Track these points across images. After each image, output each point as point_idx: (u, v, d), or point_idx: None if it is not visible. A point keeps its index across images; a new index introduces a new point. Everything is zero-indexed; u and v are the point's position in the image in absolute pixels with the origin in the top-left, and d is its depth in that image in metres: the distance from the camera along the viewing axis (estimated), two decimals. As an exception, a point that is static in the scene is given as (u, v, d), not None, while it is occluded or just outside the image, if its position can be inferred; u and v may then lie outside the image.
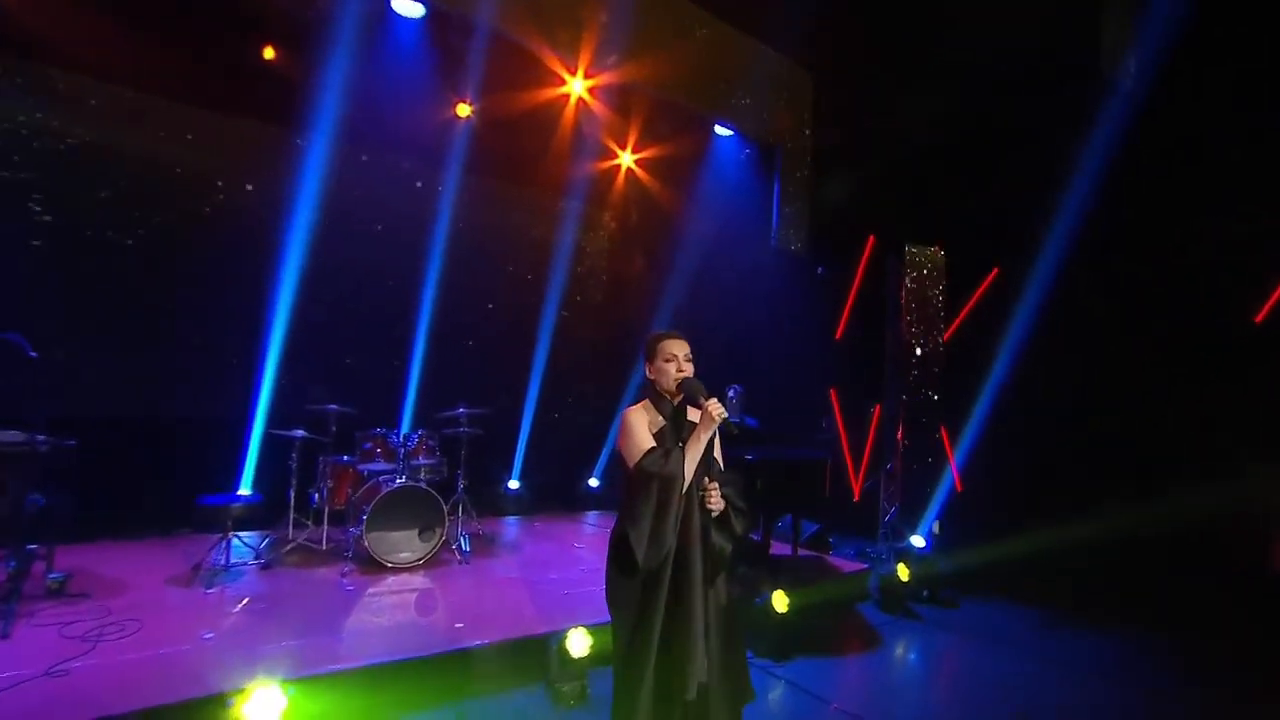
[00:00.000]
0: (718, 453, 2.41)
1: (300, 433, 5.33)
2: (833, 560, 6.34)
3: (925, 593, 5.73)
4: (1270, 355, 5.22)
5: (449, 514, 5.49)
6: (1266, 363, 5.21)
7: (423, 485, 5.30)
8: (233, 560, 4.89)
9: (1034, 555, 5.55)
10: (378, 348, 6.88)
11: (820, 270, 7.09)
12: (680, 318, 7.65)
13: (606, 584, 2.37)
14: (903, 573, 5.64)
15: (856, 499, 6.86)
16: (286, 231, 6.26)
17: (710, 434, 2.22)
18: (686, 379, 2.30)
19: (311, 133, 6.26)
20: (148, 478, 5.68)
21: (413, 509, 5.27)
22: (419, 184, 7.27)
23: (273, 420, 5.93)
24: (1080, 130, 5.65)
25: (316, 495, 5.49)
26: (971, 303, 6.75)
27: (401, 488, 5.18)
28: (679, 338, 2.36)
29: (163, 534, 5.71)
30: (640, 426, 2.26)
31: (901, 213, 6.52)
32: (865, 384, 6.85)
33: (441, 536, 5.33)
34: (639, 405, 2.34)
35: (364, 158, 7.02)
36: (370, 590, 4.76)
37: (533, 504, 7.71)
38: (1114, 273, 5.77)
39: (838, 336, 7.12)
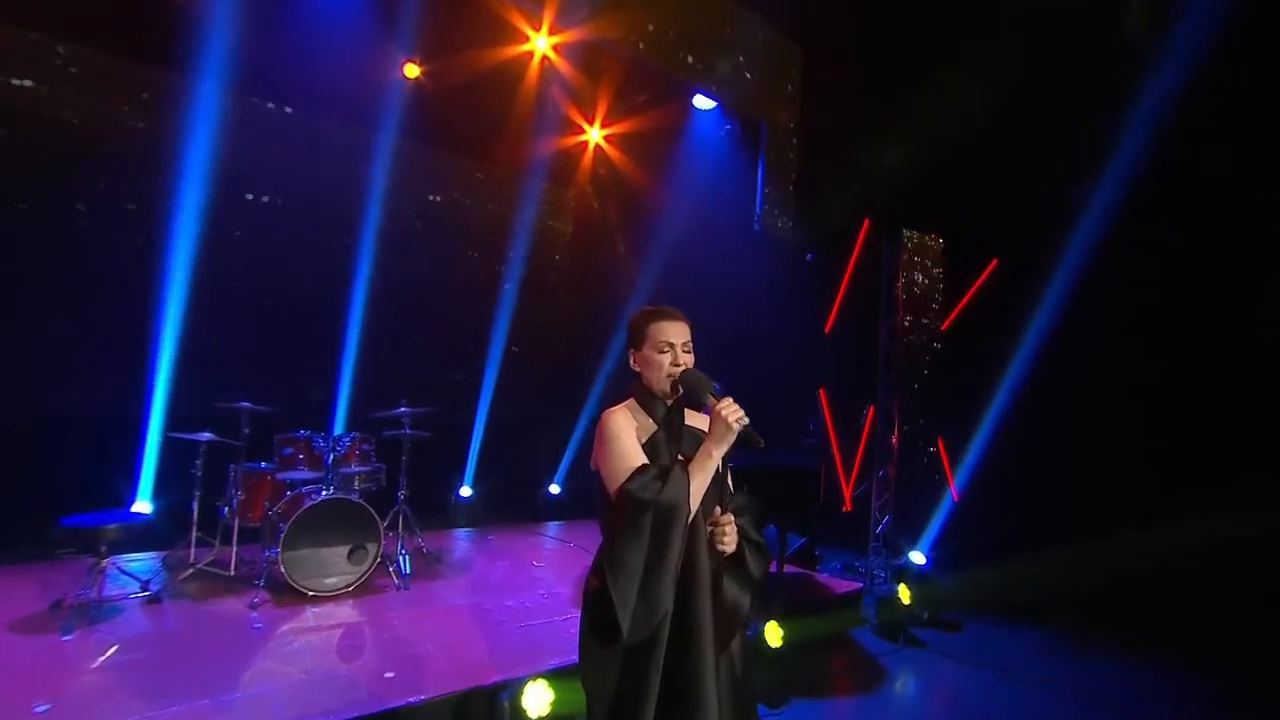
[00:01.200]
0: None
1: (206, 436, 4.54)
2: (821, 578, 5.86)
3: (925, 615, 5.32)
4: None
5: (386, 529, 4.91)
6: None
7: (354, 497, 4.68)
8: (109, 593, 4.06)
9: (1040, 571, 5.26)
10: (303, 337, 6.16)
11: (809, 257, 6.59)
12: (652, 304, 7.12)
13: (580, 654, 1.79)
14: (904, 594, 5.20)
15: (848, 508, 6.36)
16: (185, 200, 5.41)
17: (726, 447, 1.75)
18: (687, 372, 1.84)
19: (218, 86, 5.43)
20: (8, 492, 4.76)
21: (342, 525, 4.61)
22: (358, 153, 6.57)
23: (172, 421, 5.08)
24: (1102, 109, 5.24)
25: (225, 509, 4.69)
26: (969, 295, 6.31)
27: (328, 500, 4.54)
28: (677, 318, 1.90)
29: (31, 558, 4.80)
30: (626, 435, 1.81)
31: (899, 196, 6.07)
32: (857, 382, 6.43)
33: (376, 557, 4.69)
34: (622, 406, 1.89)
35: (288, 111, 6.20)
36: (285, 627, 3.99)
37: (487, 514, 7.19)
38: (1133, 266, 5.44)
39: (827, 330, 6.74)
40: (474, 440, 7.26)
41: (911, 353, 6.18)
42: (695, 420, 1.95)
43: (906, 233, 6.07)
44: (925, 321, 6.21)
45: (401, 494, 5.35)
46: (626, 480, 1.71)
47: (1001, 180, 5.87)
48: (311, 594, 4.44)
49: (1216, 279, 5.25)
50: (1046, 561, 5.21)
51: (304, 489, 4.72)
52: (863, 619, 5.30)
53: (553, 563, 5.83)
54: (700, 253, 7.12)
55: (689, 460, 1.79)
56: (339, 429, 5.98)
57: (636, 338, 1.91)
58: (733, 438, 1.72)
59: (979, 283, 6.33)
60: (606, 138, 8.02)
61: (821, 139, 6.74)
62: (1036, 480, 5.84)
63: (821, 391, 6.71)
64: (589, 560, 6.80)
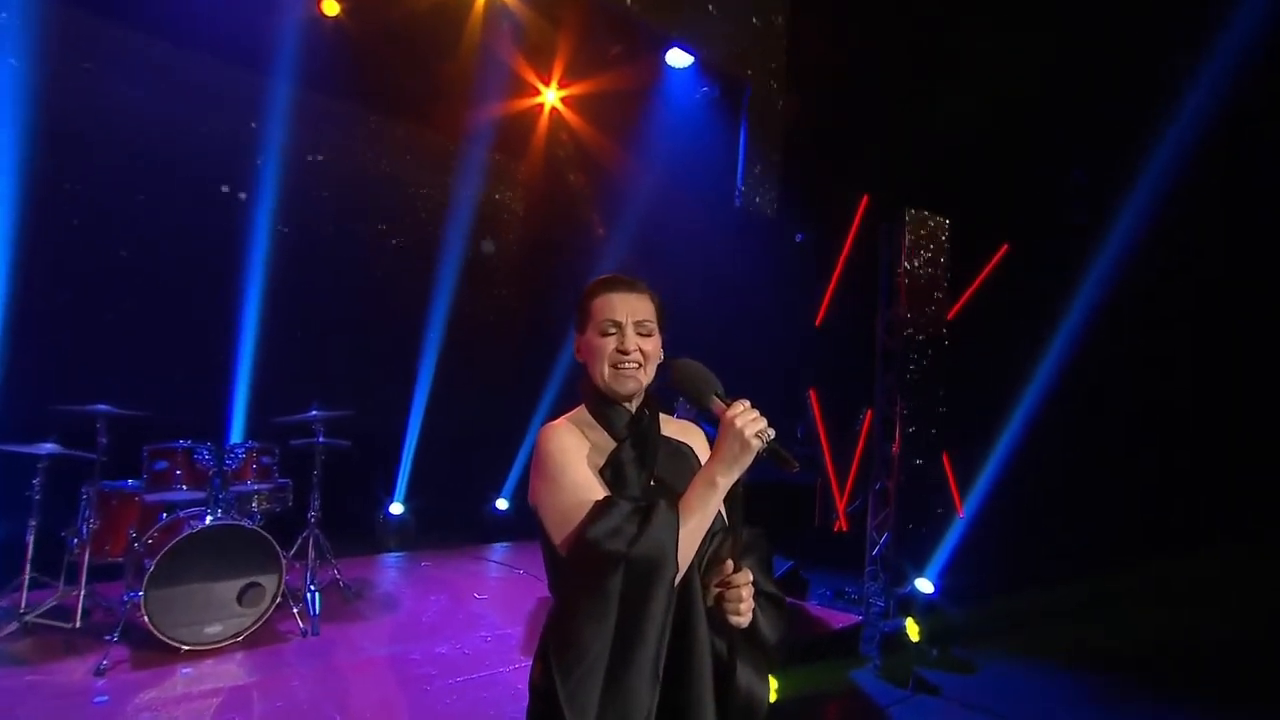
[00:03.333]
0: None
1: (48, 448, 3.84)
2: (813, 609, 5.50)
3: (935, 652, 5.00)
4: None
5: (292, 559, 4.46)
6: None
7: (250, 521, 4.12)
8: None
9: (1063, 601, 5.08)
10: (186, 325, 5.54)
11: (798, 238, 6.27)
12: None
13: None
14: (911, 630, 4.86)
15: (843, 527, 6.00)
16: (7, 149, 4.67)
17: (739, 473, 1.40)
18: (682, 362, 1.51)
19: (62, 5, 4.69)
20: None
21: (232, 557, 4.01)
22: (257, 105, 5.93)
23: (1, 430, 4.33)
24: (1137, 79, 4.91)
25: (74, 540, 3.95)
26: (977, 283, 5.97)
27: (215, 526, 3.93)
28: (630, 288, 1.59)
29: None
30: (573, 459, 1.48)
31: (901, 169, 5.75)
32: (852, 382, 6.16)
33: (276, 595, 4.12)
34: (567, 418, 1.58)
35: (160, 47, 5.51)
36: (142, 698, 3.31)
37: (421, 536, 6.76)
38: (1167, 256, 5.22)
39: (818, 322, 6.44)
40: (406, 449, 6.87)
41: (914, 348, 5.80)
42: (673, 429, 1.64)
43: (909, 211, 5.67)
44: (929, 313, 5.82)
45: (313, 515, 4.83)
46: (583, 524, 1.36)
47: (1015, 156, 5.62)
48: (186, 648, 3.81)
49: (1260, 277, 5.00)
50: (1071, 590, 5.03)
51: (183, 513, 4.11)
52: (864, 658, 4.96)
53: (498, 595, 5.42)
54: (672, 233, 6.80)
55: (678, 492, 1.44)
56: (233, 437, 5.46)
57: (580, 317, 1.60)
58: (749, 459, 1.37)
59: (988, 270, 5.99)
60: (564, 100, 7.60)
61: (812, 103, 6.43)
62: (1059, 495, 5.64)
63: (811, 393, 6.41)
64: (542, 590, 6.21)
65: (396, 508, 6.73)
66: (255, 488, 4.49)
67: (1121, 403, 5.51)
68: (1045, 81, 5.30)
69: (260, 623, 4.04)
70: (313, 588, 4.55)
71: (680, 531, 1.36)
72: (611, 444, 1.53)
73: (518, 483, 7.40)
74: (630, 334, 1.54)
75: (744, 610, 1.45)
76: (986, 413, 5.81)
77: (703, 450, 1.66)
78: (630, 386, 1.54)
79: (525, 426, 7.33)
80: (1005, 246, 5.96)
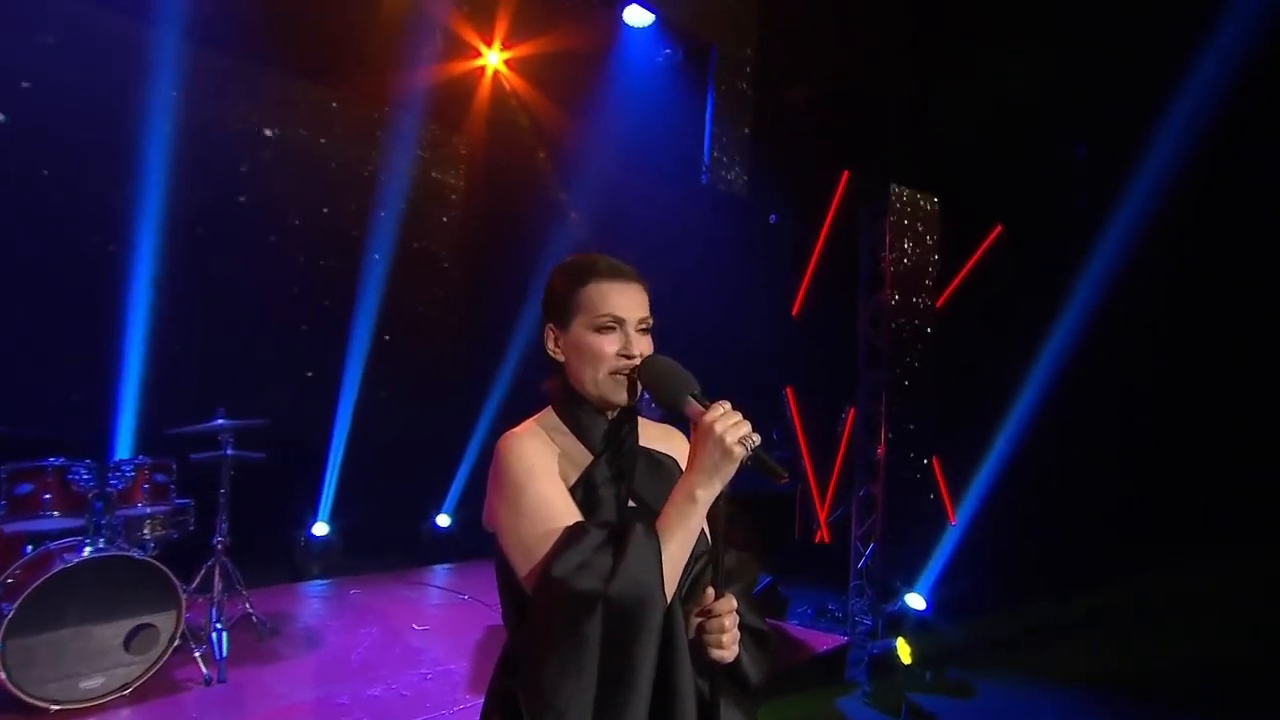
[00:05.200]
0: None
1: None
2: (793, 630, 5.58)
3: (928, 675, 4.99)
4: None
5: (193, 593, 4.25)
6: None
7: (140, 551, 3.83)
8: None
9: (1066, 616, 5.18)
10: (58, 321, 5.16)
11: (772, 219, 6.21)
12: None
13: None
14: (903, 651, 4.89)
15: (825, 538, 5.99)
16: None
17: (722, 485, 1.35)
18: (655, 360, 1.48)
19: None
20: None
21: (116, 595, 3.71)
22: (149, 60, 5.56)
23: None
24: (1144, 53, 4.94)
25: (-84, 581, 3.58)
26: (966, 269, 5.98)
27: (94, 559, 3.63)
28: (627, 277, 1.54)
29: None
30: (542, 474, 1.43)
31: (885, 143, 5.66)
32: (833, 379, 6.20)
33: (173, 639, 3.83)
34: (532, 424, 1.54)
35: None
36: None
37: (350, 559, 6.54)
38: (1171, 242, 5.25)
39: (795, 312, 6.46)
40: (330, 461, 6.63)
41: (901, 341, 5.79)
42: (652, 436, 1.59)
43: (895, 189, 5.66)
44: (917, 302, 5.80)
45: (219, 540, 4.55)
46: (549, 557, 1.31)
47: (1011, 131, 5.64)
48: (56, 708, 3.49)
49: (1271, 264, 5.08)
50: (1076, 604, 5.14)
51: (54, 545, 3.77)
52: (851, 684, 4.94)
53: (441, 624, 5.27)
54: (632, 214, 6.75)
55: (654, 510, 1.41)
56: (119, 453, 5.11)
57: (560, 306, 1.52)
58: (732, 469, 1.34)
59: (979, 253, 5.99)
60: (509, 62, 7.34)
61: (785, 69, 6.37)
62: (1061, 501, 5.68)
63: (789, 391, 6.43)
64: (491, 617, 5.97)
65: (320, 528, 6.52)
66: (147, 511, 4.20)
67: (1127, 400, 5.60)
68: (1044, 48, 5.31)
69: (153, 671, 3.76)
70: (219, 626, 4.29)
71: (663, 559, 1.31)
72: (582, 450, 1.48)
73: (461, 496, 7.25)
74: (633, 334, 1.47)
75: (728, 643, 1.40)
76: (981, 411, 5.87)
77: (685, 460, 1.54)
78: (625, 396, 1.47)
79: (469, 433, 7.19)
80: (999, 228, 5.97)
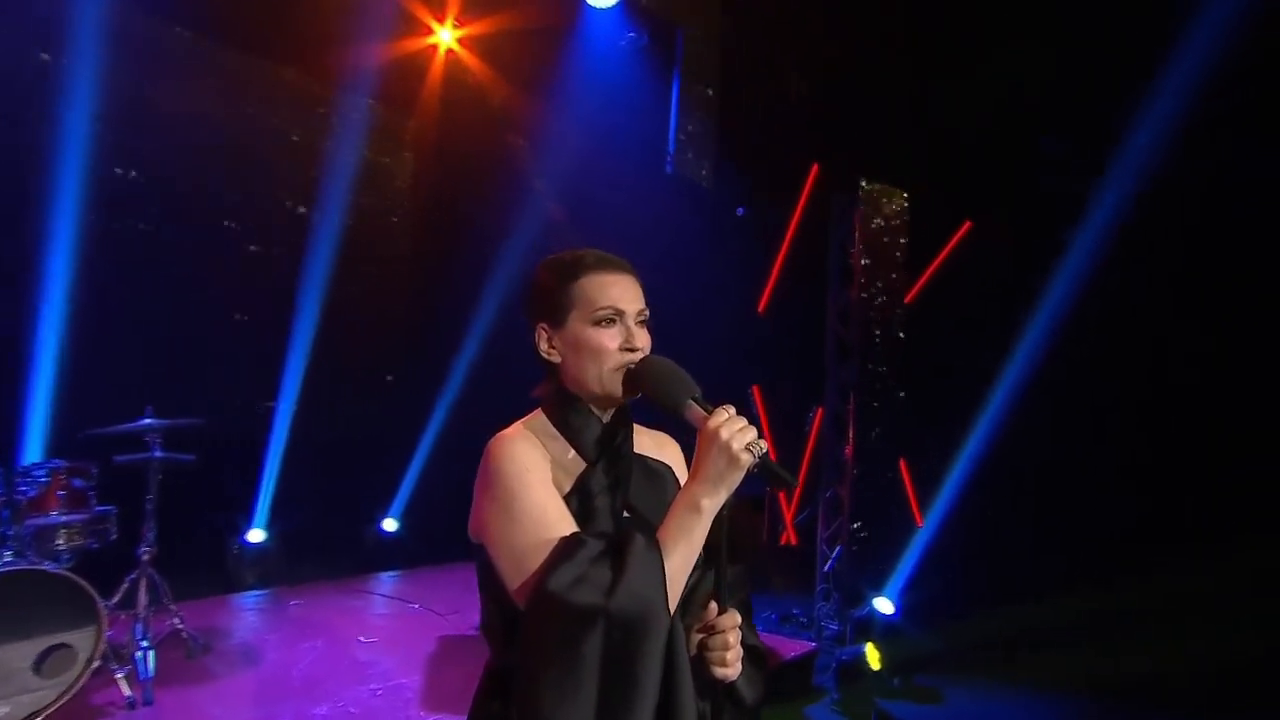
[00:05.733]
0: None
1: None
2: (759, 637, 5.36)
3: (897, 681, 5.01)
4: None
5: (115, 609, 4.07)
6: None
7: (52, 564, 3.65)
8: None
9: (1037, 620, 5.19)
10: None
11: (740, 211, 6.22)
12: (526, 278, 6.67)
13: None
14: (872, 657, 4.95)
15: (791, 540, 6.00)
16: None
17: (727, 494, 1.34)
18: (653, 361, 1.47)
19: None
20: None
21: (25, 613, 3.50)
22: (68, 25, 5.23)
23: None
24: (1120, 43, 5.08)
25: None
26: (935, 264, 6.07)
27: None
28: (623, 269, 1.53)
29: None
30: (535, 481, 1.40)
31: (856, 135, 5.73)
32: (800, 376, 6.18)
33: (92, 660, 3.62)
34: (521, 427, 1.51)
35: None
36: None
37: (289, 568, 6.39)
38: (1150, 239, 5.41)
39: (762, 307, 6.48)
40: (268, 462, 6.43)
41: (870, 338, 5.81)
42: (646, 443, 1.60)
43: (865, 184, 5.66)
44: (887, 299, 5.84)
45: (145, 550, 4.37)
46: (543, 571, 1.30)
47: (980, 122, 5.73)
48: None
49: (1246, 258, 5.27)
50: (1048, 608, 5.18)
51: None
52: (819, 692, 4.93)
53: (390, 636, 5.16)
54: (593, 205, 6.68)
55: (654, 523, 1.40)
56: (29, 456, 4.86)
57: (552, 303, 1.51)
58: (738, 477, 1.33)
59: (948, 249, 6.07)
60: (463, 40, 7.17)
61: (753, 56, 6.35)
62: (1033, 503, 5.80)
63: (755, 390, 6.38)
64: (444, 627, 5.84)
65: (256, 534, 6.31)
66: (62, 519, 3.94)
67: (1100, 401, 5.70)
68: (1015, 38, 5.35)
69: (68, 696, 3.52)
70: (144, 644, 4.07)
71: (666, 573, 1.30)
72: (574, 456, 1.47)
73: (409, 499, 7.14)
74: (633, 326, 1.47)
75: (731, 661, 1.39)
76: (952, 410, 5.95)
77: (681, 469, 1.61)
78: (631, 392, 1.47)
79: (419, 432, 7.08)
80: (968, 224, 6.04)
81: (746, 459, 1.30)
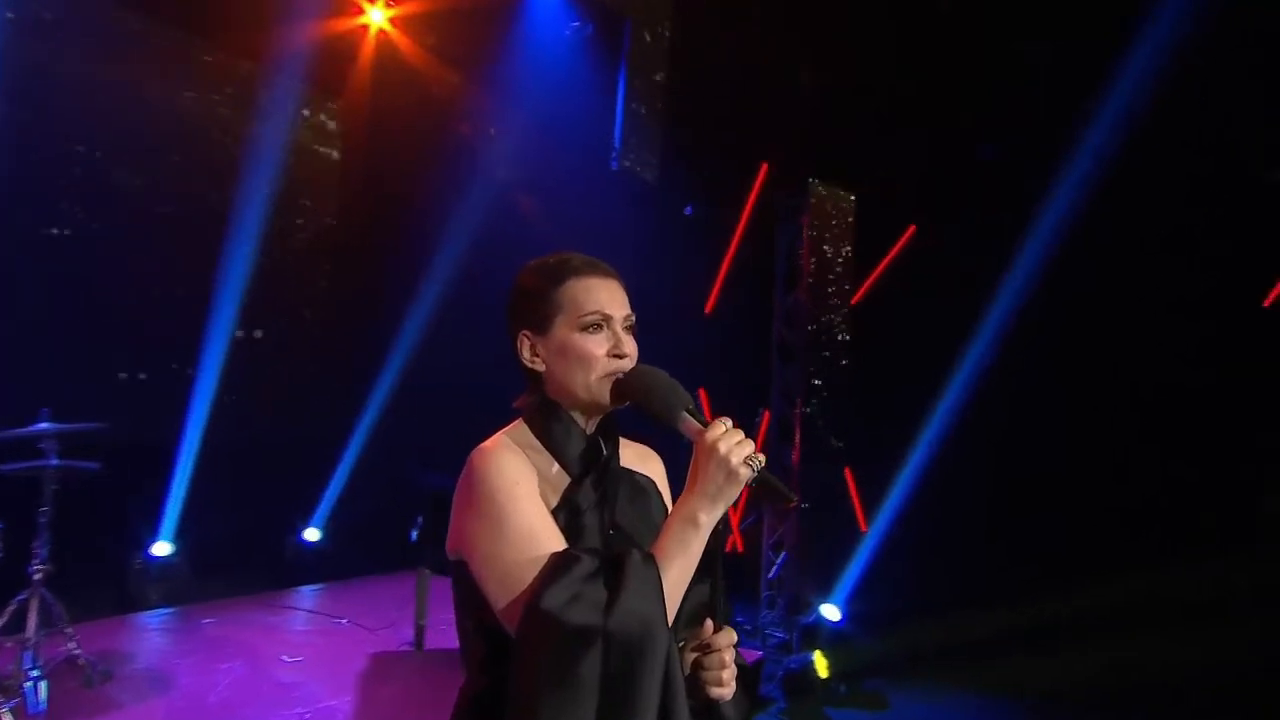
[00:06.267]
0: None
1: None
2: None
3: (844, 689, 5.03)
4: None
5: (1, 636, 3.89)
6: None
7: None
8: None
9: (983, 626, 5.30)
10: None
11: (687, 211, 6.21)
12: (462, 278, 6.76)
13: None
14: (821, 666, 4.98)
15: (738, 545, 6.01)
16: None
17: (724, 508, 1.38)
18: (644, 371, 1.48)
19: None
20: None
21: None
22: None
23: None
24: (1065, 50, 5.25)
25: None
26: (881, 268, 6.19)
27: None
28: (608, 274, 1.55)
29: None
30: (524, 495, 1.39)
31: (804, 138, 5.89)
32: (747, 380, 6.21)
33: None
34: (503, 439, 1.50)
35: None
36: None
37: (202, 583, 6.14)
38: (1096, 245, 5.63)
39: (708, 309, 6.48)
40: (178, 469, 6.16)
41: (817, 342, 5.88)
42: (630, 456, 1.59)
43: (813, 184, 5.71)
44: (834, 302, 5.93)
45: (37, 568, 4.13)
46: (536, 588, 1.30)
47: (927, 125, 5.86)
48: None
49: (1199, 269, 5.53)
50: (995, 615, 5.28)
51: None
52: (766, 701, 4.90)
53: (317, 655, 4.98)
54: (534, 199, 6.72)
55: (640, 539, 1.46)
56: None
57: (535, 309, 1.51)
58: (736, 491, 1.35)
59: (893, 253, 6.19)
60: (395, 21, 6.99)
61: (705, 53, 6.32)
62: (981, 508, 5.92)
63: (701, 392, 6.29)
64: (376, 643, 5.69)
65: (162, 547, 6.01)
66: None
67: (1049, 406, 5.85)
68: (959, 42, 5.48)
69: None
70: (35, 673, 3.85)
71: (664, 591, 1.31)
72: (558, 470, 1.47)
73: (334, 507, 6.94)
74: (621, 333, 1.47)
75: (728, 680, 1.40)
76: (899, 415, 6.03)
77: (664, 483, 1.64)
78: (620, 400, 1.47)
79: (345, 436, 6.90)
80: (912, 229, 6.16)
81: (745, 473, 1.31)
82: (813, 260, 5.84)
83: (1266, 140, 5.13)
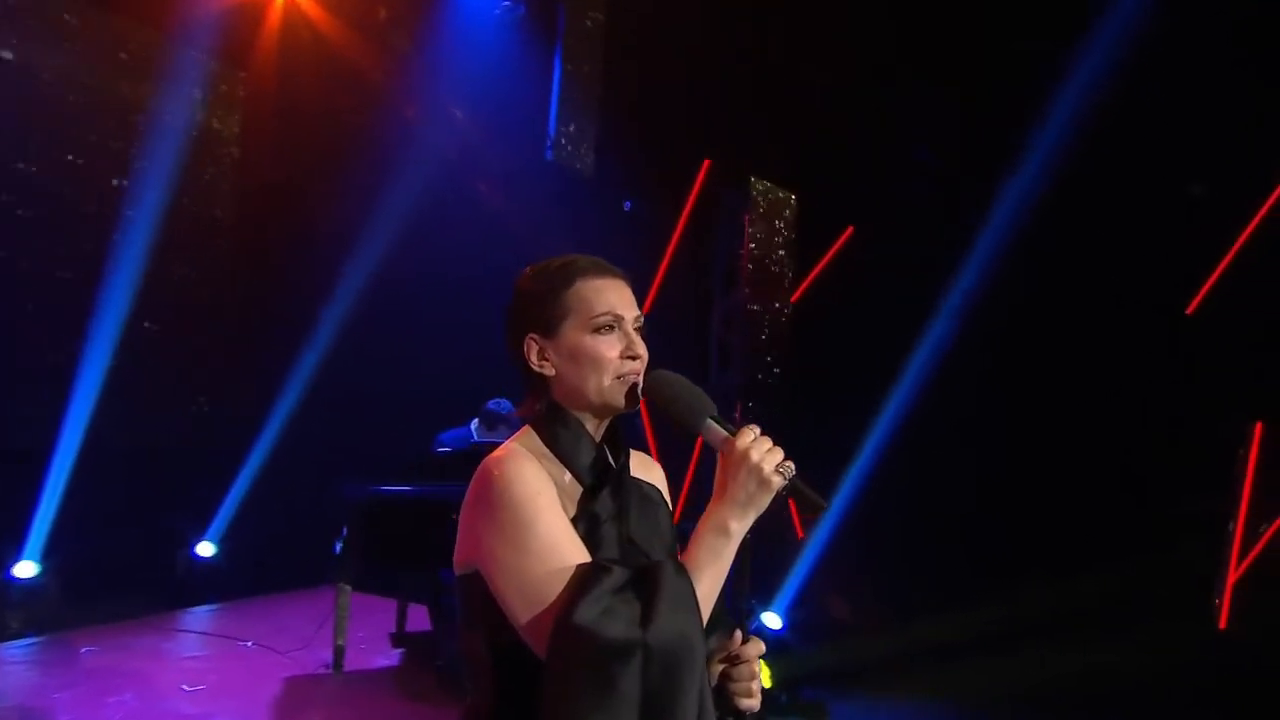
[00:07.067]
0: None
1: None
2: None
3: (784, 697, 5.09)
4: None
5: None
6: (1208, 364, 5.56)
7: None
8: None
9: (924, 634, 5.38)
10: None
11: (626, 206, 6.22)
12: (383, 271, 6.58)
13: None
14: (764, 675, 4.80)
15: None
16: None
17: (755, 516, 1.42)
18: (663, 375, 1.49)
19: None
20: None
21: None
22: None
23: None
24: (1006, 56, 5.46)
25: None
26: (820, 267, 6.35)
27: None
28: (616, 275, 1.57)
29: None
30: (544, 504, 1.39)
31: (746, 134, 5.85)
32: (687, 378, 6.13)
33: None
34: (518, 447, 1.48)
35: None
36: None
37: (77, 607, 5.76)
38: (1036, 249, 5.84)
39: (646, 308, 6.13)
40: (51, 477, 5.81)
41: (757, 343, 5.95)
42: (636, 465, 1.61)
43: (755, 183, 5.81)
44: (774, 303, 6.03)
45: None
46: (570, 600, 1.29)
47: (862, 129, 5.96)
48: None
49: (1129, 276, 5.80)
50: (937, 622, 5.36)
51: None
52: None
53: (221, 682, 4.71)
54: (461, 191, 6.48)
55: (650, 551, 1.48)
56: None
57: (542, 312, 1.51)
58: (768, 499, 1.39)
59: (831, 253, 6.35)
60: None
61: (643, 42, 6.30)
62: (921, 516, 6.07)
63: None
64: (289, 667, 5.42)
65: (25, 568, 5.64)
66: None
67: (992, 410, 6.06)
68: (903, 46, 5.65)
69: None
70: None
71: (699, 602, 1.32)
72: (570, 479, 1.46)
73: (232, 519, 6.62)
74: (633, 333, 1.48)
75: (756, 691, 1.45)
76: (839, 419, 6.12)
77: (666, 493, 1.67)
78: (633, 403, 1.48)
79: (249, 440, 6.59)
80: (850, 229, 6.31)
81: (778, 481, 1.34)
82: (752, 259, 5.93)
83: (1190, 154, 5.51)
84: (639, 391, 1.47)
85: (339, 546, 4.72)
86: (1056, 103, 5.43)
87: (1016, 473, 6.07)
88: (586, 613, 1.25)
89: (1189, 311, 5.83)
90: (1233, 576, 5.09)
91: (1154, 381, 5.74)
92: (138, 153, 6.13)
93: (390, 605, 5.45)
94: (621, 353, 1.45)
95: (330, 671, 4.75)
